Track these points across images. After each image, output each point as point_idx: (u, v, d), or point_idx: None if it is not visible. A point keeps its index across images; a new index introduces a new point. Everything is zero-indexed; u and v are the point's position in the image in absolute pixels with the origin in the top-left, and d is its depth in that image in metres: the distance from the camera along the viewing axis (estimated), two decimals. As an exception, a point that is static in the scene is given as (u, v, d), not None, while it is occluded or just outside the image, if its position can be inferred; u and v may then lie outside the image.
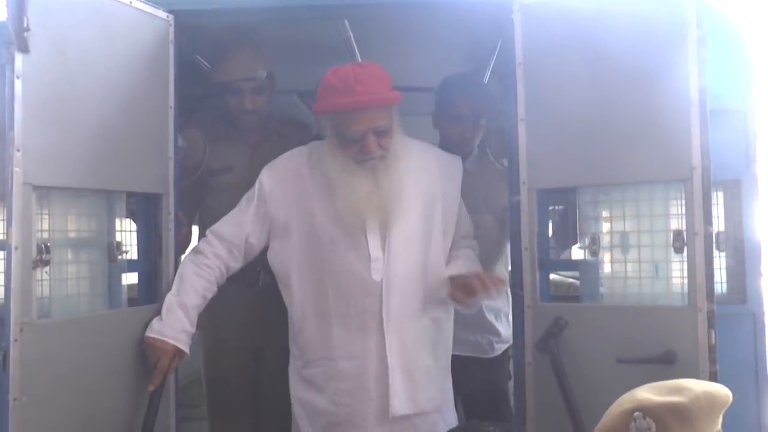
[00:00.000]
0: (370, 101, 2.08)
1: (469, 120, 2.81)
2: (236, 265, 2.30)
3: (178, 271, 2.26)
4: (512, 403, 3.13)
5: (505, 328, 3.01)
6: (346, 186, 2.14)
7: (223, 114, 2.91)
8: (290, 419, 2.47)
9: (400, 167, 2.17)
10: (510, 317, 3.14)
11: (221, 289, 2.83)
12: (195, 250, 2.31)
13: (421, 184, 2.25)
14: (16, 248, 1.85)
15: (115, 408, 2.14)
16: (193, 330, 2.22)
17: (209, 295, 2.27)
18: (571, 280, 4.28)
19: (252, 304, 2.77)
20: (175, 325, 2.16)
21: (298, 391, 2.30)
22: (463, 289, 2.14)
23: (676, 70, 2.00)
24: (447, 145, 2.78)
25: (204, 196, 2.88)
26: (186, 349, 2.19)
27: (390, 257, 2.17)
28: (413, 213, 2.21)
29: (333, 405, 2.20)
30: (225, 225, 2.30)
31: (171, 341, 2.14)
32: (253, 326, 2.82)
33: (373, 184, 2.14)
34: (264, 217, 2.27)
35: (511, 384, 3.18)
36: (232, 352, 2.87)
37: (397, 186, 2.15)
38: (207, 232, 2.31)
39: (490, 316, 2.94)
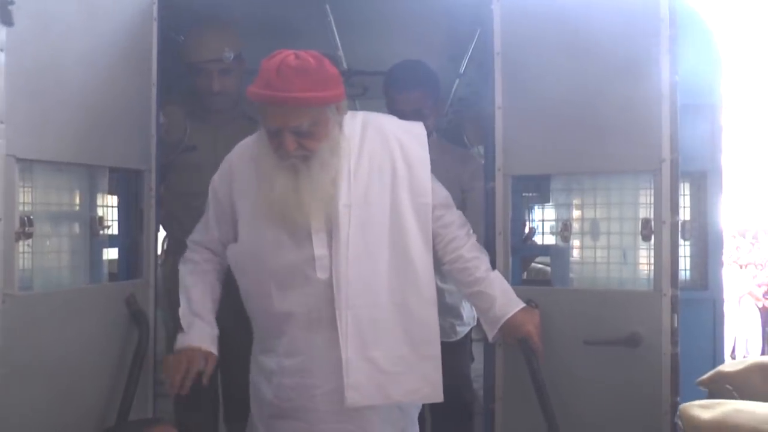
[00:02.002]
0: (282, 99, 1.92)
1: (411, 114, 2.74)
2: (223, 263, 2.28)
3: (180, 283, 2.24)
4: (473, 386, 3.24)
5: (467, 311, 3.07)
6: (265, 182, 2.05)
7: (192, 93, 2.90)
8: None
9: (330, 170, 2.03)
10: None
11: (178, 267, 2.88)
12: (185, 260, 2.29)
13: (376, 168, 2.12)
14: (0, 220, 1.86)
15: (95, 381, 2.17)
16: (216, 332, 2.21)
17: (217, 296, 2.27)
18: (540, 265, 4.39)
19: None
20: (198, 333, 2.15)
21: (253, 373, 2.27)
22: (514, 338, 2.16)
23: (649, 64, 2.08)
24: None
25: (166, 173, 2.84)
26: (214, 351, 2.17)
27: (338, 253, 2.06)
28: (369, 206, 2.09)
29: (276, 398, 2.15)
30: (197, 233, 2.29)
31: (197, 345, 2.13)
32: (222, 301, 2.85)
33: (292, 185, 2.01)
34: (223, 217, 2.21)
35: (473, 367, 3.28)
36: None
37: (320, 189, 2.01)
38: (187, 242, 2.31)
39: (452, 300, 2.96)
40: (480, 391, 4.28)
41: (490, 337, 2.19)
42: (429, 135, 2.86)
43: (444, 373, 2.70)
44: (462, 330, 3.07)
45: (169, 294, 2.92)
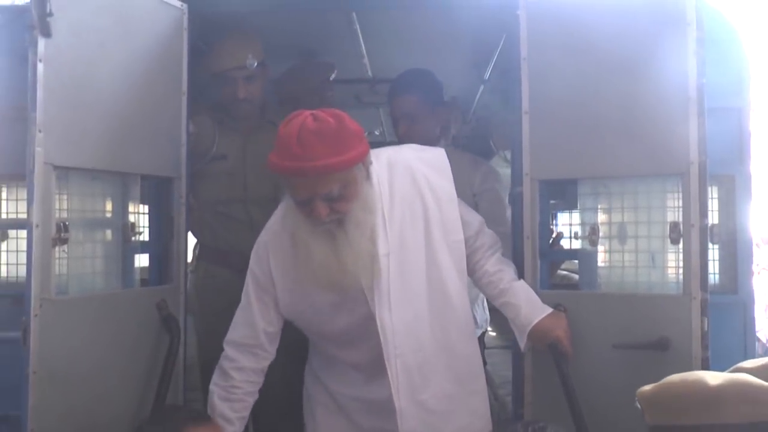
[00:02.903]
0: (308, 169, 1.82)
1: (401, 117, 2.79)
2: (267, 361, 2.17)
3: (208, 401, 2.12)
4: (491, 390, 3.23)
5: (480, 314, 3.07)
6: (303, 251, 1.98)
7: (219, 103, 2.95)
8: (285, 406, 2.52)
9: (366, 227, 1.96)
10: (485, 303, 3.22)
11: (211, 273, 2.88)
12: (217, 371, 2.15)
13: (408, 212, 2.08)
14: (37, 226, 1.91)
15: (127, 384, 2.21)
16: None
17: (246, 412, 2.15)
18: (564, 272, 4.37)
19: (242, 288, 2.80)
20: None
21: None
22: (544, 343, 2.16)
23: (676, 67, 2.08)
24: (401, 142, 2.77)
25: (196, 181, 2.86)
26: None
27: (381, 303, 2.03)
28: (405, 252, 2.06)
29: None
30: (237, 329, 2.15)
31: None
32: None
33: (331, 250, 1.94)
34: (269, 302, 2.12)
35: (499, 373, 3.27)
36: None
37: (360, 249, 1.95)
38: (224, 345, 2.16)
39: None
40: (507, 397, 4.31)
41: (522, 345, 2.19)
42: (438, 141, 2.90)
43: None
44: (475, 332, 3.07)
45: (200, 300, 2.96)
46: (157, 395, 2.23)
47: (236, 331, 2.14)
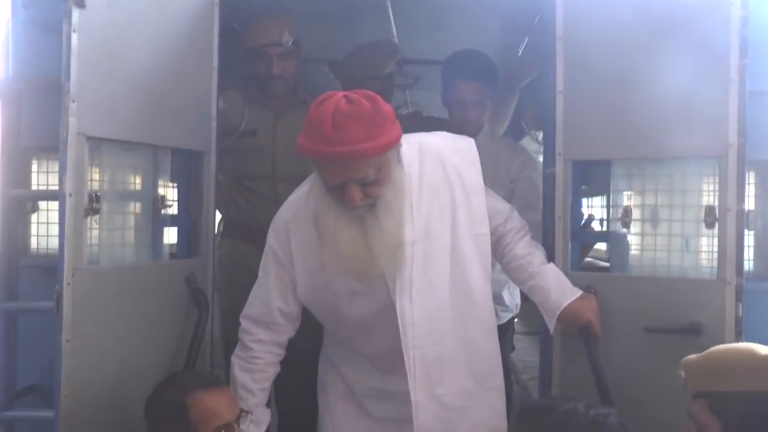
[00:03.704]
0: (345, 154, 1.77)
1: (472, 103, 2.82)
2: (286, 335, 2.16)
3: (230, 374, 2.14)
4: (512, 375, 3.21)
5: (509, 297, 3.07)
6: (331, 236, 1.93)
7: (251, 79, 2.96)
8: (308, 385, 2.52)
9: (395, 212, 1.92)
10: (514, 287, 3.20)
11: (236, 249, 2.87)
12: (238, 345, 2.16)
13: (436, 201, 2.05)
14: (70, 195, 1.92)
15: (156, 356, 2.22)
16: (259, 429, 2.13)
17: (267, 384, 2.16)
18: (590, 258, 4.34)
19: None
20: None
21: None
22: (574, 325, 2.13)
23: (716, 47, 2.04)
24: (454, 124, 2.85)
25: (224, 157, 2.90)
26: None
27: (402, 293, 2.00)
28: (430, 241, 2.03)
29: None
30: (253, 306, 2.15)
31: None
32: None
33: (360, 235, 1.90)
34: (287, 282, 2.09)
35: (522, 359, 3.25)
36: None
37: (389, 234, 1.91)
38: (240, 319, 2.17)
39: (495, 286, 2.93)
40: (530, 382, 4.30)
41: (551, 328, 2.17)
42: (482, 127, 2.90)
43: None
44: (504, 315, 3.08)
45: (224, 276, 2.97)
46: (185, 368, 2.24)
47: (252, 307, 2.14)
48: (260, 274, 2.14)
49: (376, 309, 2.03)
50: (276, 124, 2.88)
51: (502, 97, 3.08)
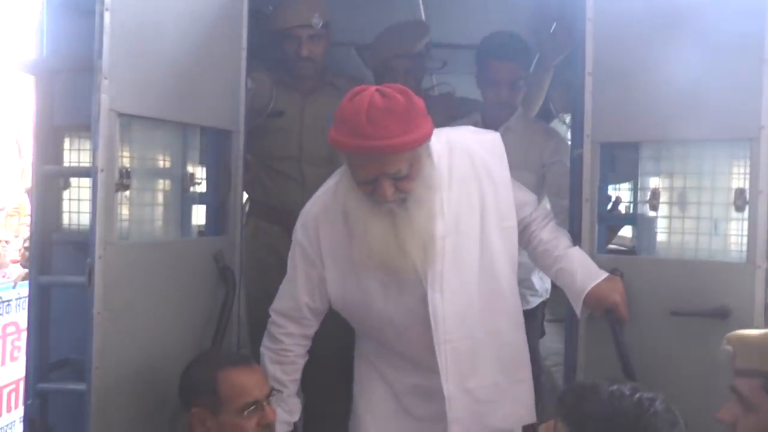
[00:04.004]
0: (380, 148, 1.77)
1: (506, 84, 2.82)
2: (313, 328, 2.20)
3: (261, 364, 2.14)
4: (541, 360, 3.20)
5: (539, 282, 3.06)
6: (360, 231, 1.93)
7: (280, 61, 2.97)
8: (335, 370, 2.54)
9: (425, 205, 1.92)
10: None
11: (262, 230, 2.89)
12: (267, 335, 2.20)
13: (465, 195, 2.05)
14: (102, 170, 1.95)
15: (184, 332, 2.25)
16: (292, 418, 2.20)
17: (298, 375, 2.21)
18: (613, 245, 4.30)
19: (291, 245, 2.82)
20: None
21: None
22: (600, 308, 2.12)
23: (750, 27, 2.00)
24: (488, 106, 2.88)
25: (251, 138, 2.92)
26: None
27: (433, 287, 2.01)
28: (460, 235, 2.03)
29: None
30: (282, 300, 2.18)
31: None
32: None
33: (390, 229, 1.90)
34: (315, 278, 2.11)
35: (548, 346, 3.23)
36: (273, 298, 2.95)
37: (419, 228, 1.91)
38: (270, 311, 2.21)
39: (524, 271, 2.83)
40: (553, 368, 4.28)
41: (578, 312, 2.16)
42: (515, 109, 2.90)
43: None
44: (534, 300, 3.07)
45: (249, 256, 3.00)
46: (212, 346, 2.27)
47: (281, 301, 2.18)
48: (289, 268, 2.16)
49: (407, 304, 2.04)
50: (304, 106, 2.89)
51: (535, 77, 3.07)
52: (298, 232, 2.11)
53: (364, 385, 2.26)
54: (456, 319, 2.03)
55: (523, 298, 2.94)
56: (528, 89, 2.96)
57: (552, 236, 2.20)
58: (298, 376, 2.21)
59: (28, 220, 4.33)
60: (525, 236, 2.21)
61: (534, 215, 2.21)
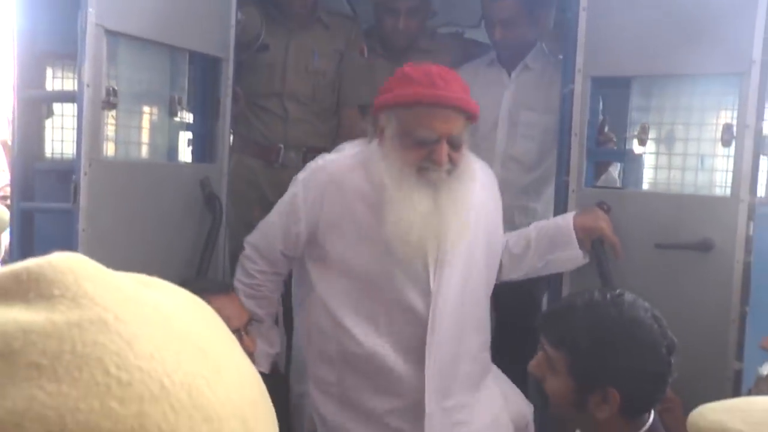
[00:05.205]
0: (455, 99, 1.81)
1: (507, 22, 2.66)
2: (287, 269, 2.15)
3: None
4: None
5: None
6: (401, 202, 1.84)
7: None
8: None
9: (466, 187, 1.89)
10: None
11: (243, 164, 2.87)
12: (240, 269, 2.15)
13: (482, 204, 2.04)
14: (88, 86, 1.92)
15: (170, 257, 2.24)
16: (273, 350, 2.16)
17: (273, 308, 2.18)
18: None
19: (272, 180, 2.80)
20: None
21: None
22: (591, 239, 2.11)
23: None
24: (498, 46, 2.74)
25: (239, 72, 2.81)
26: (266, 370, 2.11)
27: (439, 292, 1.95)
28: (464, 242, 1.97)
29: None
30: (258, 236, 2.13)
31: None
32: (274, 204, 2.88)
33: (432, 204, 1.85)
34: (293, 236, 2.03)
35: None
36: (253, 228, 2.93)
37: (458, 208, 1.87)
38: (244, 243, 2.16)
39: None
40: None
41: (577, 248, 2.11)
42: (533, 45, 2.75)
43: (515, 293, 2.52)
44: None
45: (230, 187, 2.95)
46: (197, 273, 2.26)
47: (257, 237, 2.13)
48: (274, 210, 2.11)
49: (412, 296, 1.96)
50: (290, 41, 2.85)
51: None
52: (299, 189, 2.03)
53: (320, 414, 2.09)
54: (449, 332, 1.98)
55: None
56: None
57: (519, 230, 2.22)
58: (273, 309, 2.19)
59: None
60: (505, 255, 2.17)
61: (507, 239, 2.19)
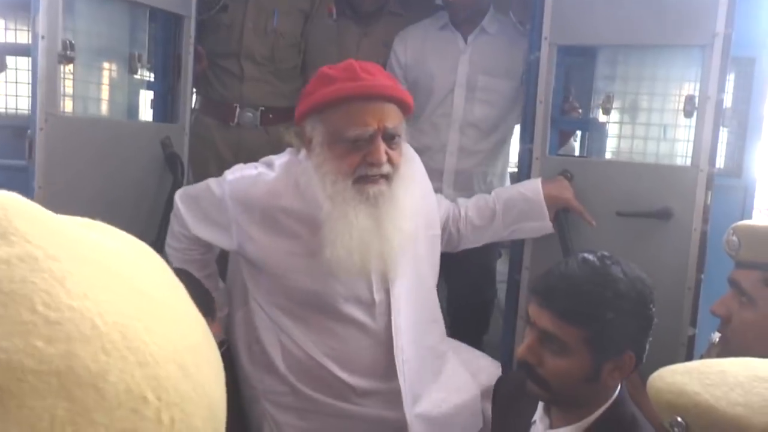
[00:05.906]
0: (384, 87, 1.66)
1: None
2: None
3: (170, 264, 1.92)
4: (496, 284, 3.21)
5: None
6: (338, 220, 1.68)
7: None
8: None
9: (406, 193, 1.74)
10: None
11: (200, 122, 2.81)
12: (170, 232, 1.99)
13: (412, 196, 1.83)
14: (43, 37, 1.85)
15: (130, 217, 2.19)
16: (221, 313, 2.02)
17: (211, 269, 2.02)
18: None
19: (227, 140, 2.78)
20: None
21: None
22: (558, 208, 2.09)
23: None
24: (449, 11, 2.64)
25: (200, 33, 2.75)
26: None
27: (398, 299, 1.86)
28: (409, 249, 1.84)
29: None
30: (186, 201, 1.95)
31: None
32: (234, 163, 2.83)
33: (372, 222, 1.69)
34: (219, 242, 1.91)
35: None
36: None
37: (400, 222, 1.72)
38: (176, 198, 1.98)
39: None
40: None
41: (551, 218, 2.11)
42: (487, 9, 2.63)
43: (470, 264, 2.52)
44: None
45: (195, 149, 2.91)
46: (158, 234, 2.22)
47: (186, 199, 1.95)
48: (197, 192, 1.94)
49: (355, 308, 1.85)
50: (248, 1, 2.78)
51: None
52: (226, 193, 1.83)
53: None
54: (410, 335, 1.88)
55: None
56: None
57: (476, 199, 2.15)
58: (211, 270, 2.03)
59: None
60: (463, 226, 2.10)
61: (459, 205, 2.12)
